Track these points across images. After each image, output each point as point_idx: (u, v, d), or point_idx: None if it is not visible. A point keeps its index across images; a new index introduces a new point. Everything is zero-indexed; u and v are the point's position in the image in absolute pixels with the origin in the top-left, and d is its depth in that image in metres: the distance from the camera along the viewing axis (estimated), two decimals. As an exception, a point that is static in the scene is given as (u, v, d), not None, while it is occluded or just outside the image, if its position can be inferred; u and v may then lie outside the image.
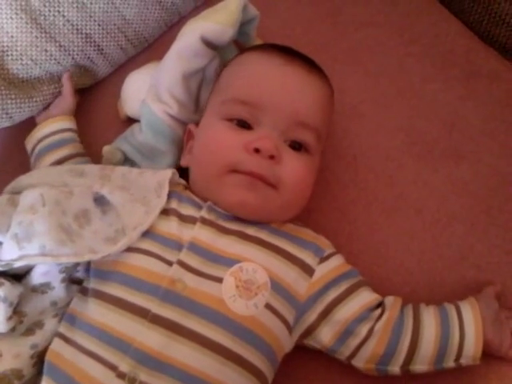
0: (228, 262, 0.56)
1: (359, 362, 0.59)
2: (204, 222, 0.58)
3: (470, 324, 0.58)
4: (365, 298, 0.60)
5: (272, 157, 0.57)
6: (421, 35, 0.85)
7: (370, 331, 0.58)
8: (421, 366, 0.58)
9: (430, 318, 0.59)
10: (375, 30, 0.87)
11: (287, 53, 0.63)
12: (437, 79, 0.81)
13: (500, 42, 0.84)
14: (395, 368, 0.58)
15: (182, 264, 0.55)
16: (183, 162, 0.68)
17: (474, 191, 0.73)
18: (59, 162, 0.72)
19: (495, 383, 0.61)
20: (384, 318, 0.59)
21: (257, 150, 0.57)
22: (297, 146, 0.60)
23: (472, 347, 0.57)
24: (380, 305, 0.61)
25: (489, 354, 0.58)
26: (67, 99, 0.79)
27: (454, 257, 0.69)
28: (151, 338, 0.51)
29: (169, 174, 0.62)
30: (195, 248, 0.56)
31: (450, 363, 0.58)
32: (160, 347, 0.51)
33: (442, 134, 0.77)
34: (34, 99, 0.75)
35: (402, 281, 0.66)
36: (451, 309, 0.60)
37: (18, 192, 0.58)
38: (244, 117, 0.59)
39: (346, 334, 0.58)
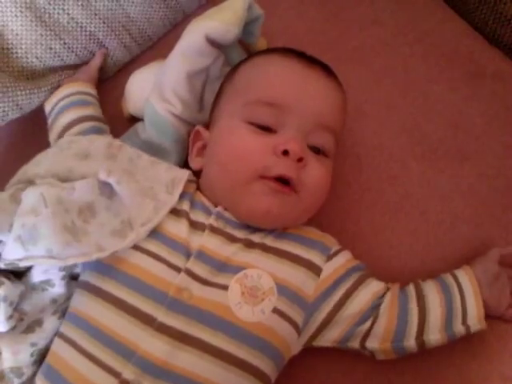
0: (234, 269, 0.56)
1: (374, 343, 0.59)
2: (212, 230, 0.58)
3: (468, 287, 0.59)
4: (373, 287, 0.61)
5: (300, 159, 0.57)
6: (425, 35, 0.85)
7: (377, 313, 0.59)
8: (433, 335, 0.58)
9: (430, 287, 0.61)
10: (379, 29, 0.87)
11: (305, 57, 0.63)
12: (441, 79, 0.81)
13: (505, 42, 0.84)
14: (411, 341, 0.58)
15: (189, 273, 0.54)
16: (195, 165, 0.66)
17: (479, 192, 0.73)
18: (79, 121, 0.71)
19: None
20: (387, 297, 0.60)
21: (285, 153, 0.56)
22: (315, 150, 0.60)
23: (474, 307, 0.58)
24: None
25: (489, 315, 0.59)
26: (91, 69, 0.80)
27: (457, 258, 0.68)
28: (156, 347, 0.50)
29: (185, 175, 0.61)
30: (203, 256, 0.56)
31: (458, 327, 0.58)
32: (165, 356, 0.50)
33: (446, 134, 0.77)
34: (43, 89, 0.75)
35: (406, 281, 0.65)
36: (447, 276, 0.62)
37: (24, 182, 0.58)
38: (267, 121, 0.58)
39: (357, 324, 0.59)
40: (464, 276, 0.61)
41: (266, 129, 0.59)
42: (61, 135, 0.71)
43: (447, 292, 0.60)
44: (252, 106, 0.59)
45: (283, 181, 0.56)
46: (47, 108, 0.76)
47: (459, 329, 0.58)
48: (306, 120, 0.59)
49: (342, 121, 0.64)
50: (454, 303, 0.59)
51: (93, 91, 0.78)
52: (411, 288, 0.62)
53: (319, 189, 0.60)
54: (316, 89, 0.61)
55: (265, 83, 0.61)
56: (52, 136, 0.73)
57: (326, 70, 0.64)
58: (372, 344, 0.59)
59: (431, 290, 0.60)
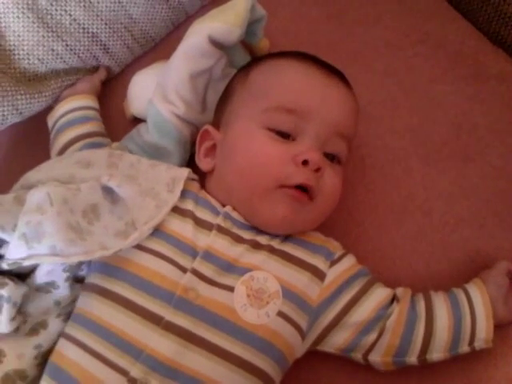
0: (240, 270, 0.56)
1: (376, 356, 0.59)
2: (220, 230, 0.58)
3: (480, 307, 0.59)
4: (378, 295, 0.60)
5: (318, 169, 0.57)
6: (429, 35, 0.85)
7: (383, 327, 0.58)
8: (437, 353, 0.58)
9: (441, 305, 0.60)
10: (382, 30, 0.86)
11: (323, 64, 0.63)
12: (445, 80, 0.81)
13: (509, 43, 0.83)
14: (412, 358, 0.58)
15: (195, 273, 0.54)
16: (205, 166, 0.65)
17: (482, 193, 0.72)
18: (78, 139, 0.72)
19: (504, 385, 0.61)
20: (396, 311, 0.59)
21: (305, 162, 0.57)
22: (330, 157, 0.61)
23: (483, 330, 0.58)
24: (393, 299, 0.61)
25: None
26: (94, 80, 0.81)
27: (461, 259, 0.68)
28: (164, 345, 0.51)
29: (185, 173, 0.61)
30: (209, 257, 0.56)
31: (464, 348, 0.58)
32: (172, 355, 0.50)
33: (449, 135, 0.77)
34: (44, 94, 0.75)
35: (410, 283, 0.66)
36: (460, 293, 0.61)
37: (26, 188, 0.57)
38: (287, 128, 0.59)
39: (362, 334, 0.58)
40: (476, 294, 0.60)
41: (285, 135, 0.59)
42: (61, 153, 0.72)
43: (457, 313, 0.59)
44: (272, 112, 0.59)
45: (302, 188, 0.57)
46: (49, 123, 0.77)
47: (464, 349, 0.58)
48: (324, 128, 0.59)
49: (355, 128, 0.65)
50: (463, 326, 0.58)
51: (94, 103, 0.79)
52: (422, 305, 0.60)
53: (333, 196, 0.61)
54: (336, 98, 0.61)
55: (286, 90, 0.60)
56: (53, 153, 0.74)
57: (343, 78, 0.64)
58: (374, 357, 0.59)
59: (441, 310, 0.59)
